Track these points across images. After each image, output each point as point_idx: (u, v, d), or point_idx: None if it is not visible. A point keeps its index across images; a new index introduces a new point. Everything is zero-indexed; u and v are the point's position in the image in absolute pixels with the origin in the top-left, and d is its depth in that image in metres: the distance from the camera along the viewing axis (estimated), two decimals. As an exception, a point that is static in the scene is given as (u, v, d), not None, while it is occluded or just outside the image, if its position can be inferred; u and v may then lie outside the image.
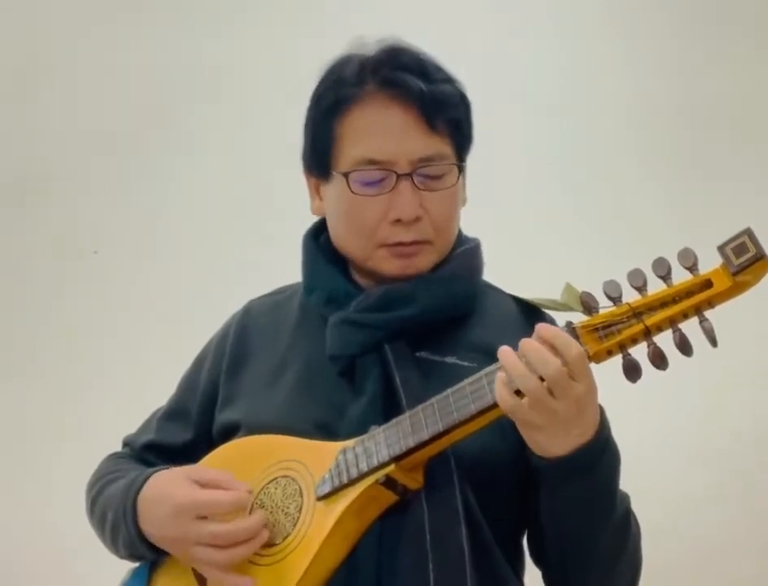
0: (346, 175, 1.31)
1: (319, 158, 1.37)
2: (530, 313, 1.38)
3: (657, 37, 2.45)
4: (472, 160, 1.40)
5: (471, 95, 1.38)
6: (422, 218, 1.31)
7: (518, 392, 1.11)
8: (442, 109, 1.31)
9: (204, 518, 1.21)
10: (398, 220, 1.31)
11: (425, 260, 1.34)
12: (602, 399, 1.15)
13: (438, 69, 1.35)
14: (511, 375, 1.10)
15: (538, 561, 1.33)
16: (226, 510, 1.21)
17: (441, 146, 1.32)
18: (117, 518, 1.32)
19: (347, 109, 1.32)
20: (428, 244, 1.34)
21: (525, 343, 1.11)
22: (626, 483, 1.24)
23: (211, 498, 1.22)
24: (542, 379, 1.08)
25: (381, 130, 1.31)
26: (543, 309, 1.37)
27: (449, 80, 1.35)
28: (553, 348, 1.09)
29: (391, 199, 1.30)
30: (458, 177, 1.34)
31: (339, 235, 1.38)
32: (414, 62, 1.33)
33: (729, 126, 2.35)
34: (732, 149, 2.34)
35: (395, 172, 1.30)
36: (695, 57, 2.41)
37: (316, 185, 1.41)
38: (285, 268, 1.50)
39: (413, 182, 1.30)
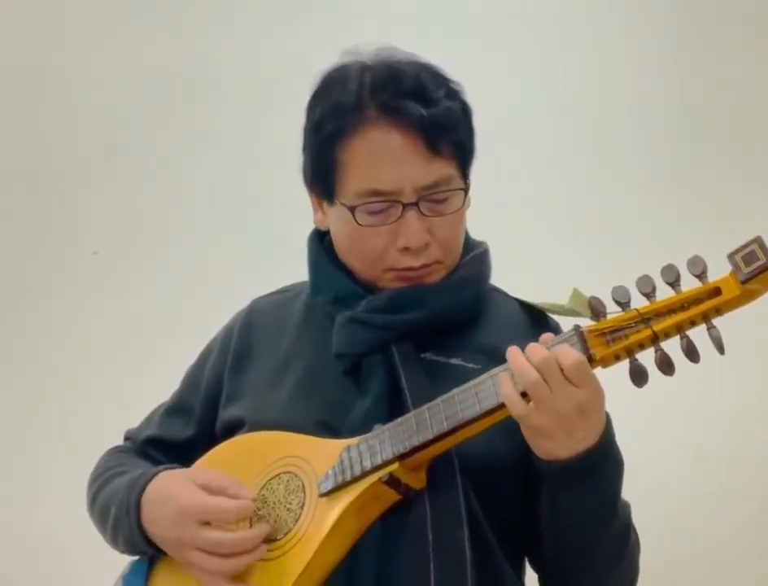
0: (351, 209, 1.30)
1: (321, 183, 1.35)
2: (535, 317, 1.39)
3: (661, 36, 2.45)
4: (477, 163, 1.39)
5: (472, 97, 1.36)
6: (430, 244, 1.31)
7: (524, 395, 1.12)
8: (444, 133, 1.29)
9: (207, 523, 1.21)
10: (406, 248, 1.30)
11: (434, 278, 1.35)
12: (609, 402, 1.16)
13: (438, 84, 1.31)
14: (516, 373, 1.11)
15: (536, 564, 1.34)
16: (230, 520, 1.20)
17: (445, 170, 1.30)
18: (120, 514, 1.32)
19: (348, 137, 1.30)
20: (437, 264, 1.34)
21: (530, 346, 1.13)
22: (633, 486, 1.24)
23: (216, 505, 1.20)
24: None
25: (383, 159, 1.28)
26: (549, 314, 1.38)
27: (449, 94, 1.32)
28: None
29: (398, 228, 1.30)
30: (464, 199, 1.33)
31: (345, 256, 1.37)
32: (413, 83, 1.29)
33: (737, 126, 2.35)
34: (741, 149, 2.34)
35: (401, 202, 1.29)
36: (698, 56, 2.41)
37: (319, 201, 1.40)
38: (288, 266, 1.49)
39: (419, 210, 1.29)
